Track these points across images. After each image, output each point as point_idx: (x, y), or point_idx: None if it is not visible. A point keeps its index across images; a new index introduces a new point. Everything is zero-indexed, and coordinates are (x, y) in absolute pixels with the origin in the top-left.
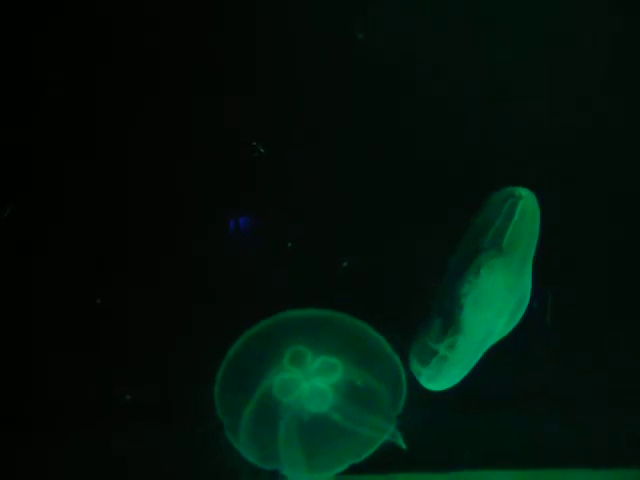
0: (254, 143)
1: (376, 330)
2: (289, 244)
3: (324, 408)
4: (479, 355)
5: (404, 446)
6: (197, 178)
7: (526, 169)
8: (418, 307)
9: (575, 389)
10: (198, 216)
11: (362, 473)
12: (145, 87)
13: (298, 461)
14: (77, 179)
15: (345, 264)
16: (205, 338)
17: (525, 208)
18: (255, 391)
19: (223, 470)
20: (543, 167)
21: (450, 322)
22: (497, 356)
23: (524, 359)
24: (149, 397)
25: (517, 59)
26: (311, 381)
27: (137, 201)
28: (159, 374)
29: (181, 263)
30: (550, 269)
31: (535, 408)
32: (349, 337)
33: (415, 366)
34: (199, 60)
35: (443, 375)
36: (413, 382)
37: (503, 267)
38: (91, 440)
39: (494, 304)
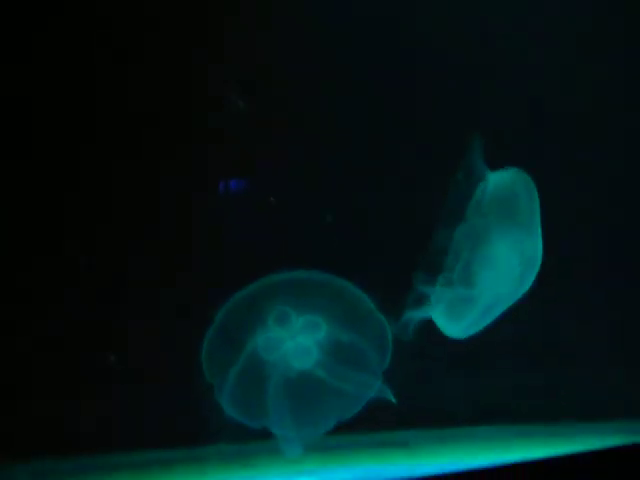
0: (233, 96)
1: (360, 288)
2: (272, 199)
3: (309, 365)
4: (485, 318)
5: (394, 400)
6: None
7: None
8: (405, 264)
9: (558, 343)
10: (181, 181)
11: (351, 430)
12: (143, 84)
13: (286, 418)
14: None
15: (329, 219)
16: (190, 302)
17: (507, 175)
18: (241, 351)
19: (207, 429)
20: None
21: (452, 279)
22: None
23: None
24: (134, 359)
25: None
26: (296, 339)
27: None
28: (146, 338)
29: (165, 228)
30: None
31: (520, 362)
32: (332, 296)
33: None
34: (199, 59)
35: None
36: (400, 338)
37: (500, 231)
38: (77, 400)
39: (499, 266)
